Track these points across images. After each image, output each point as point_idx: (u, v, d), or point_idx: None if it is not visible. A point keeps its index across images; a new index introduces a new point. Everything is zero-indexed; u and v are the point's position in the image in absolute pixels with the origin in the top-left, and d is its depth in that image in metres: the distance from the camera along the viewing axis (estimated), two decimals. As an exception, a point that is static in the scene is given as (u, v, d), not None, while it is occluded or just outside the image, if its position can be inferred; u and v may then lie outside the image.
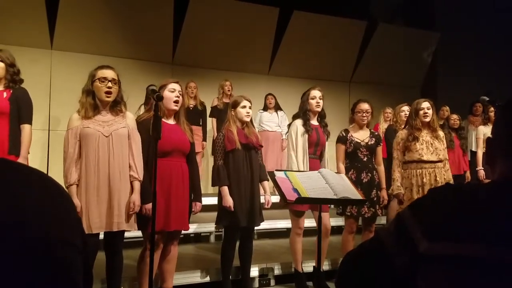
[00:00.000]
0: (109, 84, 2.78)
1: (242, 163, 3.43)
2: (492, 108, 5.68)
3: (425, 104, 3.94)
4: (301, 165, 3.71)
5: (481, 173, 5.60)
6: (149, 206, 2.87)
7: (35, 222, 0.63)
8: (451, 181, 3.80)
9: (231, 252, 3.52)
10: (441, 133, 4.02)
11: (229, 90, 6.45)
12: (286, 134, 4.92)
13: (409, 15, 8.54)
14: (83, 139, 2.77)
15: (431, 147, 3.89)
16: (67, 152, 2.76)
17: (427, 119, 3.92)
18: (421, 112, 3.92)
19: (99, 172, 2.76)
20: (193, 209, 3.18)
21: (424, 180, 3.82)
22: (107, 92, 2.78)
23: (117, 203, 2.78)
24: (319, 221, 3.04)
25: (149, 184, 2.87)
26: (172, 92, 3.05)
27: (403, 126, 5.23)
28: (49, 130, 6.18)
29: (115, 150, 2.80)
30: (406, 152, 3.94)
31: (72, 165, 2.75)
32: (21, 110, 3.29)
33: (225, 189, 3.37)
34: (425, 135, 3.92)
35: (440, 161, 3.92)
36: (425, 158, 3.85)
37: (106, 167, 2.78)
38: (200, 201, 3.21)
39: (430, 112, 3.92)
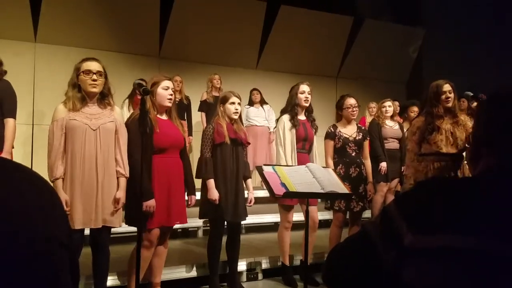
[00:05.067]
0: (94, 76, 2.74)
1: (229, 158, 3.43)
2: (476, 103, 5.76)
3: (447, 87, 3.42)
4: (289, 160, 3.72)
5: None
6: (149, 203, 2.86)
7: (19, 220, 0.61)
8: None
9: (218, 245, 3.51)
10: (462, 118, 3.47)
11: (218, 84, 6.44)
12: (274, 128, 4.92)
13: (395, 11, 8.59)
14: (69, 131, 2.71)
15: (451, 137, 3.36)
16: (52, 145, 2.70)
17: (449, 104, 3.40)
18: (443, 96, 3.39)
19: (84, 166, 2.72)
20: (188, 203, 3.20)
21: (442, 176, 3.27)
22: (92, 85, 2.74)
23: (102, 199, 2.74)
24: (307, 215, 3.06)
25: (148, 182, 2.87)
26: (165, 90, 3.05)
27: (385, 121, 5.29)
28: (33, 125, 6.08)
29: (102, 144, 2.76)
30: (422, 143, 3.43)
31: (58, 158, 2.69)
32: (4, 103, 3.20)
33: (212, 182, 3.36)
34: (445, 123, 3.39)
35: (462, 152, 3.40)
36: (444, 150, 3.34)
37: (93, 162, 2.73)
38: (195, 195, 3.25)
39: (452, 96, 3.42)
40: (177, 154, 3.12)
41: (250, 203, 3.59)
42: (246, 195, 3.62)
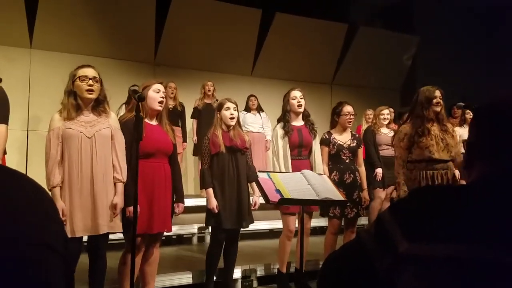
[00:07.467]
0: (90, 82, 2.75)
1: (227, 166, 3.43)
2: (470, 113, 5.79)
3: (438, 93, 3.44)
4: (283, 169, 3.70)
5: (457, 173, 5.68)
6: (131, 208, 2.84)
7: (9, 225, 0.61)
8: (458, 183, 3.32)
9: (217, 253, 3.51)
10: (449, 125, 3.50)
11: (209, 91, 6.41)
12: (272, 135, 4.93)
13: (389, 19, 8.66)
14: (66, 140, 2.73)
15: (442, 143, 3.36)
16: (49, 154, 2.71)
17: (439, 109, 3.43)
18: (434, 101, 3.41)
19: (82, 174, 2.73)
20: (175, 210, 3.17)
21: (436, 184, 3.23)
22: (88, 90, 2.75)
23: (101, 205, 2.74)
24: (302, 222, 3.06)
25: (132, 186, 2.85)
26: (156, 93, 3.04)
27: (381, 129, 5.31)
28: (28, 131, 6.06)
29: (98, 152, 2.77)
30: (412, 149, 3.42)
31: (55, 167, 2.70)
32: None
33: (210, 191, 3.39)
34: (434, 129, 3.40)
35: (453, 159, 3.45)
36: (436, 156, 3.33)
37: (89, 169, 2.74)
38: (183, 202, 3.20)
39: (441, 102, 3.45)
40: (165, 160, 3.09)
41: (254, 206, 3.58)
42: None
